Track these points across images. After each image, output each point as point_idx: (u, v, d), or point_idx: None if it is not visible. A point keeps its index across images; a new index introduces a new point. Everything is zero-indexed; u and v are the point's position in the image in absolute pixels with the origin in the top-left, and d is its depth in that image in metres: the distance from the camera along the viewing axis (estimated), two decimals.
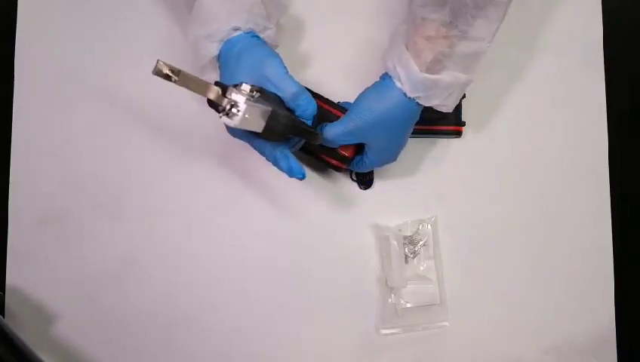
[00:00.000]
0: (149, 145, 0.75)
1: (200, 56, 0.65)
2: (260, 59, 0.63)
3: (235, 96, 0.54)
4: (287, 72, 0.62)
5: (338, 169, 0.72)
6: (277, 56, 0.64)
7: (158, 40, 0.77)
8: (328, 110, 0.69)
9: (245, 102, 0.54)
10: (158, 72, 0.53)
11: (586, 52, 0.78)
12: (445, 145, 0.77)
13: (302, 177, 0.63)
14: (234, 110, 0.54)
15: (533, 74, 0.78)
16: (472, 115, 0.76)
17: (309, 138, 0.63)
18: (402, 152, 0.71)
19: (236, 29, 0.64)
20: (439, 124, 0.74)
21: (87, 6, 0.77)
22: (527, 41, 0.78)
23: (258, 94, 0.57)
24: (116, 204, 0.75)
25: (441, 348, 0.74)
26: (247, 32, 0.64)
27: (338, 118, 0.67)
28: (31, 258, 0.74)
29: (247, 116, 0.55)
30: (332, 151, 0.69)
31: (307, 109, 0.63)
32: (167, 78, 0.53)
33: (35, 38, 0.77)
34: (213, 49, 0.64)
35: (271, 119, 0.57)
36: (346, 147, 0.68)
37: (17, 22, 0.77)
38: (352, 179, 0.76)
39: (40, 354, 0.63)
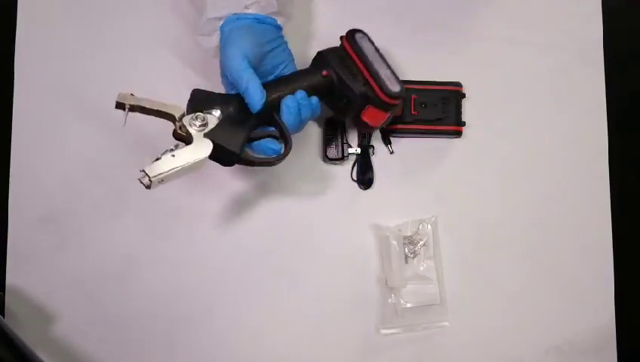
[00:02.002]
0: (149, 144, 0.75)
1: (208, 51, 0.68)
2: (223, 53, 0.63)
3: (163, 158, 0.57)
4: (242, 64, 0.61)
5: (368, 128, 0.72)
6: (237, 47, 0.62)
7: (159, 39, 0.77)
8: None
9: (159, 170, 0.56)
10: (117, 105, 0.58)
11: (586, 52, 0.78)
12: (445, 145, 0.77)
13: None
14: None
15: (533, 74, 0.78)
16: (472, 114, 0.76)
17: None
18: (402, 152, 0.71)
19: (220, 19, 0.65)
20: (439, 124, 0.74)
21: (87, 6, 0.77)
22: (528, 40, 0.78)
23: (207, 118, 0.60)
24: (116, 204, 0.75)
25: (441, 348, 0.74)
26: (229, 17, 0.65)
27: None
28: (31, 258, 0.74)
29: (160, 180, 0.57)
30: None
31: (250, 105, 0.62)
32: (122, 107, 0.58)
33: (35, 38, 0.77)
34: (212, 42, 0.66)
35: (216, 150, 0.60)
36: (370, 116, 0.68)
37: (17, 22, 0.77)
38: (352, 179, 0.76)
39: (40, 354, 0.63)
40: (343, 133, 0.75)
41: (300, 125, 0.66)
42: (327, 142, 0.75)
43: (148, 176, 0.56)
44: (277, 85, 0.65)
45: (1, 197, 0.74)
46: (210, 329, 0.74)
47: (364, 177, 0.75)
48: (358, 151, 0.75)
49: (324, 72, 0.67)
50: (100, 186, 0.75)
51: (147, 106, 0.58)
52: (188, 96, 0.63)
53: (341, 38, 0.69)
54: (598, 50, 0.78)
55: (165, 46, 0.76)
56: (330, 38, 0.77)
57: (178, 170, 0.57)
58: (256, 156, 0.64)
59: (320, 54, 0.68)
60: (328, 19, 0.78)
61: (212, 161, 0.63)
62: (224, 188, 0.75)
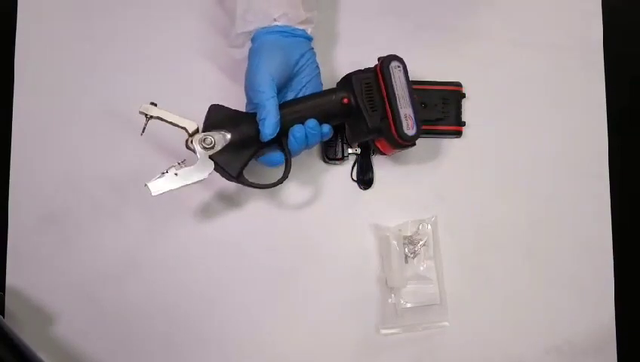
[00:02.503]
0: (149, 144, 0.75)
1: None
2: (251, 71, 0.64)
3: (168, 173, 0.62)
4: (267, 92, 0.62)
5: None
6: (265, 68, 0.63)
7: (160, 39, 0.77)
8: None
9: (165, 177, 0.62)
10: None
11: (586, 52, 0.78)
12: (445, 145, 0.77)
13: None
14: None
15: (534, 74, 0.78)
16: (472, 115, 0.76)
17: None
18: (402, 152, 0.71)
19: (250, 32, 0.66)
20: (439, 124, 0.74)
21: (87, 6, 0.77)
22: (528, 41, 0.78)
23: (215, 141, 0.63)
24: (116, 204, 0.75)
25: (441, 348, 0.74)
26: (259, 30, 0.65)
27: None
28: (31, 258, 0.74)
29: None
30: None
31: (262, 134, 0.63)
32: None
33: (35, 38, 0.77)
34: (244, 53, 0.67)
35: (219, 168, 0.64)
36: (382, 145, 0.69)
37: (17, 22, 0.77)
38: (352, 179, 0.76)
39: (40, 354, 0.63)
40: (343, 133, 0.75)
41: (306, 149, 0.67)
42: (327, 143, 0.74)
43: (150, 191, 0.62)
44: (292, 108, 0.65)
45: (1, 197, 0.74)
46: (210, 329, 0.74)
47: (364, 177, 0.75)
48: (358, 151, 0.75)
49: (345, 100, 0.66)
50: (100, 186, 0.75)
51: (165, 118, 0.63)
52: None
53: (378, 59, 0.67)
54: (598, 50, 0.78)
55: (167, 46, 0.76)
56: (328, 39, 0.77)
57: (178, 188, 0.63)
58: (254, 182, 0.67)
59: (346, 78, 0.67)
60: (329, 20, 0.78)
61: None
62: (224, 188, 0.75)
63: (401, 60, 0.67)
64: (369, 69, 0.67)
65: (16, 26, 0.77)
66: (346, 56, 0.76)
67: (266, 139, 0.63)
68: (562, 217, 0.76)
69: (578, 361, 0.74)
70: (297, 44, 0.66)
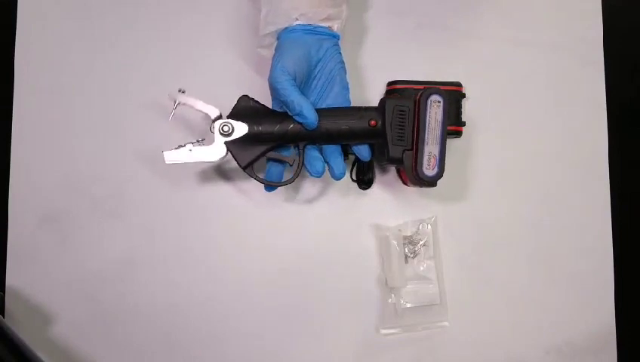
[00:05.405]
0: (149, 145, 0.75)
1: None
2: (270, 70, 0.64)
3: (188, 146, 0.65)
4: (288, 87, 0.62)
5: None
6: (282, 65, 0.63)
7: (160, 37, 0.77)
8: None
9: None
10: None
11: (586, 52, 0.78)
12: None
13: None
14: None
15: (534, 74, 0.78)
16: (472, 115, 0.76)
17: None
18: None
19: (274, 33, 0.67)
20: None
21: (87, 5, 0.77)
22: (528, 40, 0.78)
23: (234, 129, 0.64)
24: (116, 204, 0.75)
25: (441, 348, 0.74)
26: (282, 30, 0.66)
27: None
28: (31, 258, 0.74)
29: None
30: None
31: (306, 124, 0.64)
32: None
33: (35, 38, 0.77)
34: (272, 53, 0.67)
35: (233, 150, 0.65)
36: (403, 174, 0.70)
37: (17, 22, 0.77)
38: (352, 179, 0.76)
39: (40, 354, 0.63)
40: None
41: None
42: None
43: (164, 158, 0.65)
44: (319, 115, 0.65)
45: (1, 197, 0.75)
46: (210, 329, 0.74)
47: (364, 177, 0.75)
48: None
49: (373, 122, 0.65)
50: (100, 186, 0.75)
51: (191, 104, 0.65)
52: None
53: (420, 92, 0.65)
54: (598, 50, 0.78)
55: (166, 44, 0.76)
56: None
57: (189, 163, 0.66)
58: (261, 177, 0.67)
59: (382, 102, 0.66)
60: None
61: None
62: (224, 188, 0.75)
63: (443, 96, 0.65)
64: (410, 96, 0.66)
65: (16, 26, 0.77)
66: (345, 56, 0.76)
67: (313, 127, 0.64)
68: (562, 217, 0.76)
69: (578, 361, 0.74)
70: (318, 41, 0.66)
